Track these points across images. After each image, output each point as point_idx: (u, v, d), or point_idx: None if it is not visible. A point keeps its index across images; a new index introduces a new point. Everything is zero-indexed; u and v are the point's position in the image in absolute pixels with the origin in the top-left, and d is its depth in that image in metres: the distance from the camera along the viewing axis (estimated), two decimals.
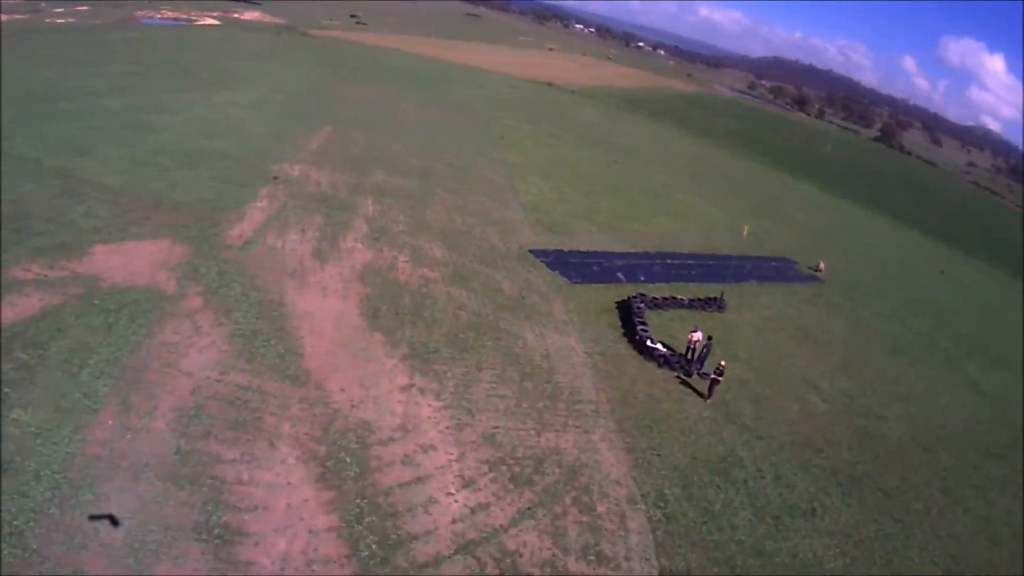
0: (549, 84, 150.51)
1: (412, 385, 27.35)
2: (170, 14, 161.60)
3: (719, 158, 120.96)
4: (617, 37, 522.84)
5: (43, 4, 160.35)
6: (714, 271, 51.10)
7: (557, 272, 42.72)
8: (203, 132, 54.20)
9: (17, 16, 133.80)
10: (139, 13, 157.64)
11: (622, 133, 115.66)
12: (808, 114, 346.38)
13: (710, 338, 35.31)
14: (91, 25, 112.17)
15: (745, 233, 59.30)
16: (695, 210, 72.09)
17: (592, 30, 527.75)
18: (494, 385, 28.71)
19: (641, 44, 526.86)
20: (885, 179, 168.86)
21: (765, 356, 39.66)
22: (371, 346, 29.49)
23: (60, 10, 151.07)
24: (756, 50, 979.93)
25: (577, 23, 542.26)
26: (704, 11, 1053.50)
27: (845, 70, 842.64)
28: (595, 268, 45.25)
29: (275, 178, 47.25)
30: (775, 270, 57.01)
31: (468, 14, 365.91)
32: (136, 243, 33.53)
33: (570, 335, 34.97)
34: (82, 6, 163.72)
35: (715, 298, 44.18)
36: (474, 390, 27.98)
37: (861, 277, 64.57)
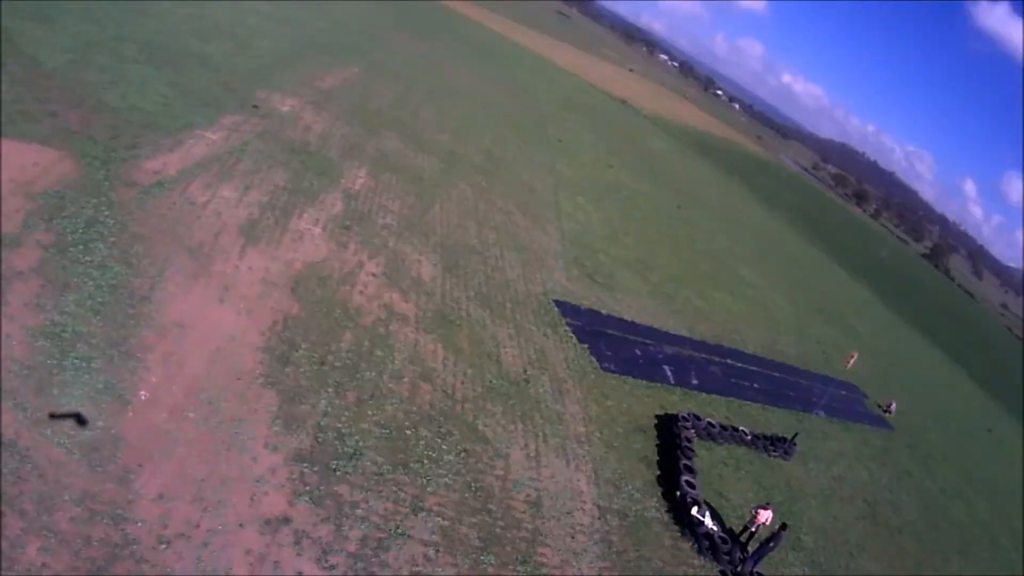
0: (623, 102, 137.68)
1: (287, 520, 14.78)
2: None
3: (783, 234, 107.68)
4: (698, 79, 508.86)
5: None
6: (780, 388, 38.81)
7: (586, 346, 29.67)
8: (201, 31, 41.89)
9: None
10: None
11: (689, 176, 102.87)
12: (864, 211, 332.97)
13: (784, 527, 22.43)
14: None
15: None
16: (760, 294, 58.93)
17: (675, 64, 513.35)
18: (432, 551, 15.94)
19: (719, 92, 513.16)
20: (934, 302, 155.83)
21: (832, 548, 26.92)
22: (251, 416, 16.89)
23: None
24: (826, 130, 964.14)
25: (662, 54, 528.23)
26: (787, 78, 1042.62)
27: (906, 176, 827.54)
28: (636, 352, 32.23)
29: (254, 107, 34.95)
30: (844, 402, 44.31)
31: (559, 13, 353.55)
32: (15, 144, 21.97)
33: (581, 467, 21.92)
34: None
35: (783, 439, 31.46)
36: (393, 556, 15.31)
37: (925, 428, 51.99)
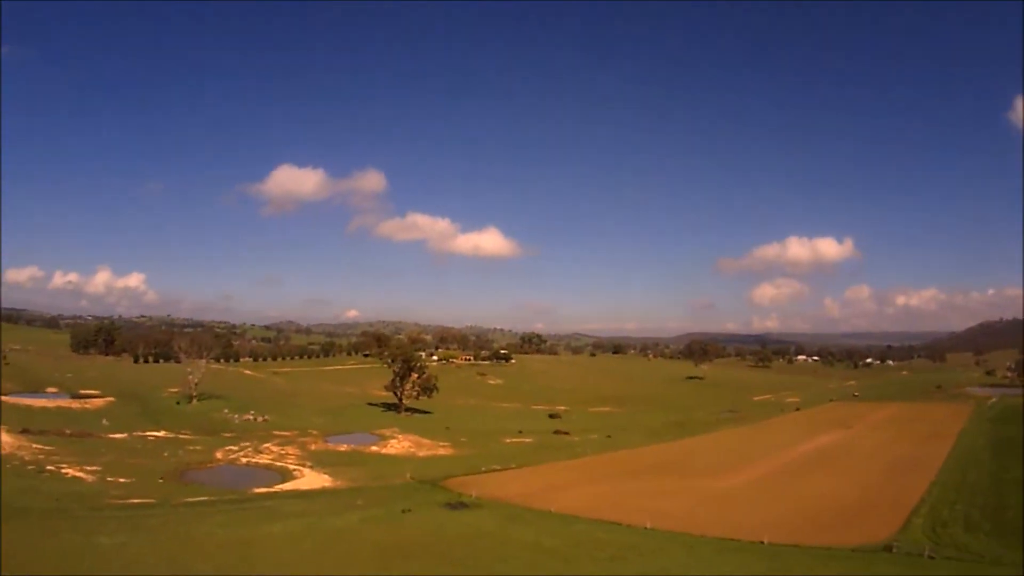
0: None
1: None
2: (294, 461, 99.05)
3: None
4: (841, 359, 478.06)
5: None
6: None
7: None
8: None
9: None
10: (218, 455, 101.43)
11: None
12: None
13: None
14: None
15: None
16: None
17: (816, 358, 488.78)
18: None
19: (869, 360, 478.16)
20: None
21: None
22: None
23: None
24: (957, 322, 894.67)
25: (798, 355, 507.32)
26: (900, 299, 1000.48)
27: None
28: None
29: None
30: None
31: (690, 377, 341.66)
32: None
33: None
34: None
35: None
36: None
37: None
